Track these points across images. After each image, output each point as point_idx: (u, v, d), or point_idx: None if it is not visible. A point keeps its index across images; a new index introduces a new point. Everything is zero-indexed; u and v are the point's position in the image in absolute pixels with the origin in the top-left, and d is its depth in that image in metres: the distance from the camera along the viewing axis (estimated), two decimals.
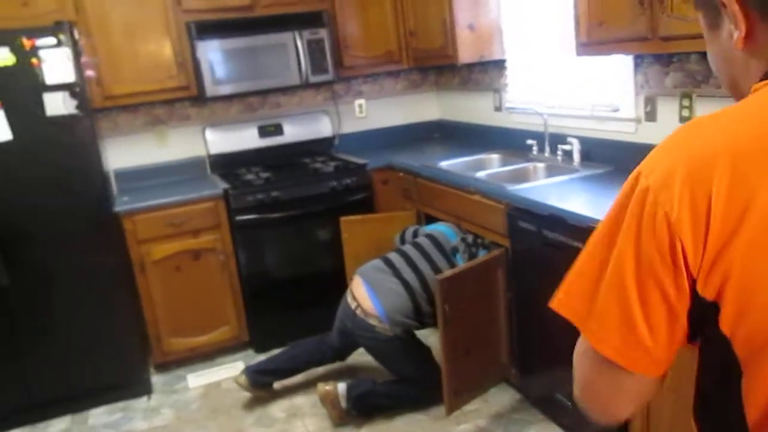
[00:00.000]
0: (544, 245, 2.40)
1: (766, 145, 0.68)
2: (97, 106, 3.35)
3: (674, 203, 0.69)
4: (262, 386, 3.00)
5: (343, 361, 3.08)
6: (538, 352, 2.66)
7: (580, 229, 2.21)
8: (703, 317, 0.73)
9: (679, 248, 0.70)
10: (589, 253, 0.83)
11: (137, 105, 3.62)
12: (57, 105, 2.84)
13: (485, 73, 3.75)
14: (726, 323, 0.71)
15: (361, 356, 3.01)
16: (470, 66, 3.82)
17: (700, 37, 1.98)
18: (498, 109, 3.67)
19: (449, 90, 4.22)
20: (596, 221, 2.09)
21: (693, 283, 0.71)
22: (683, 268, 0.70)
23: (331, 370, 3.14)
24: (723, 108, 0.75)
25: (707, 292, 0.70)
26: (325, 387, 2.74)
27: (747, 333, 0.70)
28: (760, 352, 0.71)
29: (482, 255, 2.78)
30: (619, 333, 0.77)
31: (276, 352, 3.13)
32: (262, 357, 3.23)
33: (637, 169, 0.76)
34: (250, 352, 3.51)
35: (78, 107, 2.87)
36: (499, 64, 3.57)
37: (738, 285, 0.69)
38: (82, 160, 2.94)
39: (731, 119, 0.74)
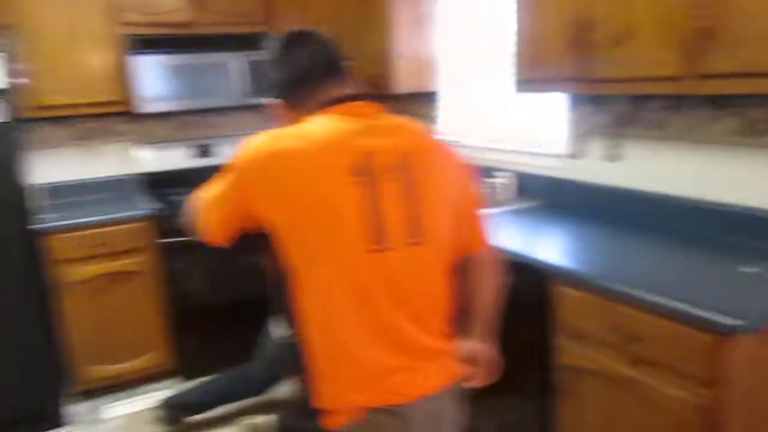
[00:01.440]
0: None
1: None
2: (29, 116, 3.19)
3: (249, 176, 1.34)
4: (175, 421, 2.90)
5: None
6: None
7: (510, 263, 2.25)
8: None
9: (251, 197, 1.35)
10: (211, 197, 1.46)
11: (68, 118, 3.47)
12: None
13: (418, 103, 3.79)
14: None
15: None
16: (403, 96, 3.85)
17: (631, 80, 2.08)
18: None
19: None
20: (526, 257, 2.15)
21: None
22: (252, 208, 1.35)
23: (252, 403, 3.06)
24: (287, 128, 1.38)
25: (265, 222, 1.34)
26: (253, 421, 2.66)
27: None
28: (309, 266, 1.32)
29: None
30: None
31: (196, 383, 3.03)
32: (189, 385, 3.11)
33: (237, 156, 1.37)
34: (177, 380, 3.38)
35: (7, 116, 2.72)
36: (431, 96, 3.64)
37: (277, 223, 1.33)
38: (3, 171, 2.79)
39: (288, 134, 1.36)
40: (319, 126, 1.35)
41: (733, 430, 1.63)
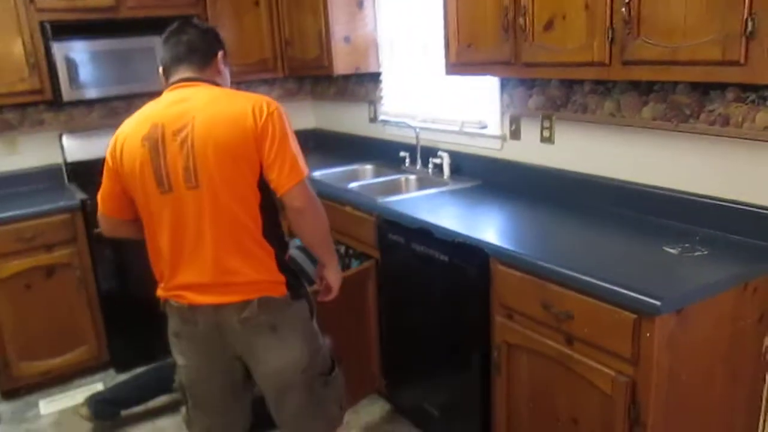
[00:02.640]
0: (413, 257, 2.44)
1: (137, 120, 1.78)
2: None
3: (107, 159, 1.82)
4: (109, 417, 2.84)
5: None
6: (406, 363, 2.71)
7: (445, 243, 2.28)
8: None
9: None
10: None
11: None
12: None
13: (361, 84, 3.77)
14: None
15: None
16: (347, 77, 3.83)
17: (559, 65, 2.12)
18: (373, 120, 3.71)
19: (325, 100, 4.21)
20: (461, 235, 2.18)
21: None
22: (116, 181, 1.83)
23: None
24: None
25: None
26: None
27: None
28: None
29: (354, 266, 2.79)
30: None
31: (124, 377, 2.99)
32: (123, 377, 3.05)
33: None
34: (111, 372, 3.30)
35: None
36: (375, 77, 3.61)
37: None
38: None
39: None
40: (144, 107, 1.80)
41: (652, 409, 1.69)
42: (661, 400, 1.72)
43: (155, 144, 1.70)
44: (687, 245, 1.96)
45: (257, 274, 1.78)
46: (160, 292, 1.88)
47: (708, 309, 1.73)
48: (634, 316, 1.66)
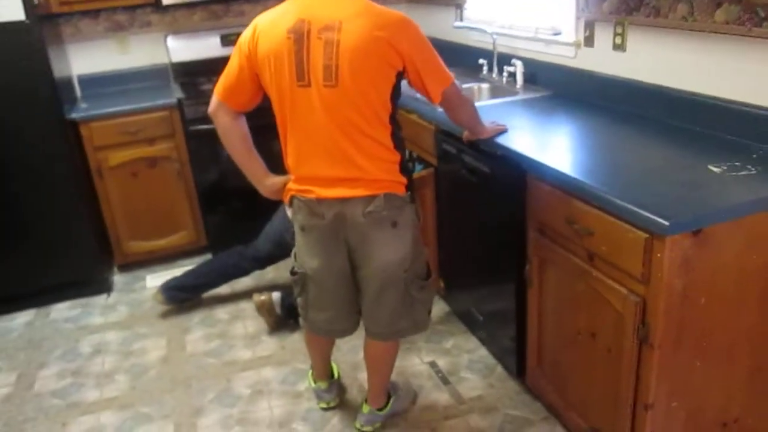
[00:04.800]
0: (462, 168, 2.46)
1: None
2: (54, 12, 3.36)
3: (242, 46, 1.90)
4: (179, 301, 3.17)
5: (262, 271, 3.23)
6: (458, 270, 2.79)
7: (488, 155, 2.28)
8: None
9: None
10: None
11: (98, 10, 3.62)
12: (0, 11, 2.86)
13: None
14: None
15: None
16: None
17: None
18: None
19: (417, 2, 4.14)
20: (507, 149, 2.16)
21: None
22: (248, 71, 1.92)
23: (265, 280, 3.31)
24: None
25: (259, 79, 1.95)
26: (260, 297, 2.91)
27: None
28: None
29: (418, 170, 2.86)
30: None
31: (195, 266, 3.24)
32: (187, 268, 3.32)
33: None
34: (209, 255, 3.67)
35: (23, 13, 2.88)
36: None
37: None
38: (30, 67, 2.98)
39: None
40: (288, 2, 1.86)
41: (661, 330, 1.67)
42: (673, 322, 1.68)
43: (300, 38, 1.77)
44: (737, 164, 1.83)
45: (382, 173, 1.89)
46: (288, 187, 2.00)
47: (735, 231, 1.63)
48: (646, 235, 1.61)
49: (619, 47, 2.48)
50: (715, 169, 1.82)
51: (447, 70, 1.92)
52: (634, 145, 2.17)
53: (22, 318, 3.29)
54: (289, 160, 1.96)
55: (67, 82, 3.57)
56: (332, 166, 1.87)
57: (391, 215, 1.92)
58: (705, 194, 1.69)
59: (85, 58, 3.74)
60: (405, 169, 1.96)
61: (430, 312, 2.18)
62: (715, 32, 2.06)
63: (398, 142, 1.93)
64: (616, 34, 2.48)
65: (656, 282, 1.63)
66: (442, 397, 2.49)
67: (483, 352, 2.71)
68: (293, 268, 2.13)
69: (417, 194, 2.06)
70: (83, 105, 3.45)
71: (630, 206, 1.64)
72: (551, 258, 2.06)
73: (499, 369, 2.60)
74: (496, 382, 2.54)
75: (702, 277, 1.66)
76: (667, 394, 1.76)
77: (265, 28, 1.83)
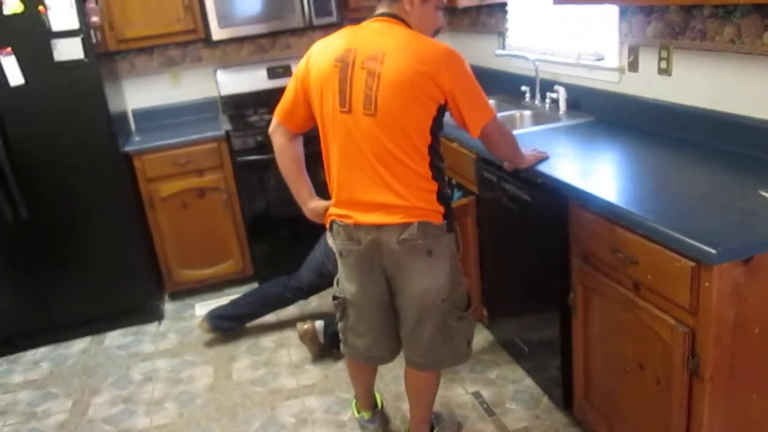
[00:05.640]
0: (503, 196, 2.45)
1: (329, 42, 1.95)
2: (111, 50, 3.53)
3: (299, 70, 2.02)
4: (224, 331, 3.22)
5: (306, 300, 3.26)
6: (501, 298, 2.76)
7: (528, 183, 2.26)
8: None
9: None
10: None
11: (152, 47, 3.78)
12: (63, 51, 3.01)
13: (491, 15, 3.69)
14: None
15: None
16: (479, 8, 3.76)
17: None
18: None
19: (460, 31, 4.17)
20: (548, 177, 2.14)
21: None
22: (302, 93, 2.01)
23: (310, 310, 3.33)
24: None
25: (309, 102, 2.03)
26: (304, 325, 2.93)
27: None
28: None
29: (457, 198, 2.86)
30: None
31: (239, 295, 3.30)
32: (233, 297, 3.37)
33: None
34: (255, 284, 3.73)
35: (83, 53, 3.03)
36: (503, 7, 3.51)
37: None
38: (88, 102, 3.12)
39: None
40: (344, 30, 1.97)
41: (712, 361, 1.61)
42: (725, 354, 1.62)
43: (346, 66, 1.84)
44: None
45: (419, 201, 1.89)
46: (329, 212, 2.03)
47: None
48: (693, 264, 1.57)
49: (665, 71, 2.44)
50: (766, 195, 1.76)
51: (489, 105, 1.94)
52: (680, 170, 2.12)
53: (78, 345, 3.40)
54: (331, 185, 2.01)
55: (123, 116, 3.72)
56: (369, 192, 1.89)
57: (426, 244, 1.92)
58: (755, 220, 1.64)
59: (139, 93, 3.90)
60: (443, 198, 1.95)
61: (470, 343, 2.15)
62: (764, 54, 2.01)
63: (437, 172, 1.93)
64: (661, 59, 2.44)
65: (705, 312, 1.58)
66: (487, 428, 2.45)
67: (528, 382, 2.66)
68: (335, 293, 2.16)
69: (457, 223, 2.05)
70: (137, 138, 3.59)
71: (675, 234, 1.60)
72: (595, 287, 2.02)
73: (546, 400, 2.54)
74: (543, 413, 2.49)
75: (755, 307, 1.60)
76: (722, 428, 1.69)
77: (317, 56, 1.93)
